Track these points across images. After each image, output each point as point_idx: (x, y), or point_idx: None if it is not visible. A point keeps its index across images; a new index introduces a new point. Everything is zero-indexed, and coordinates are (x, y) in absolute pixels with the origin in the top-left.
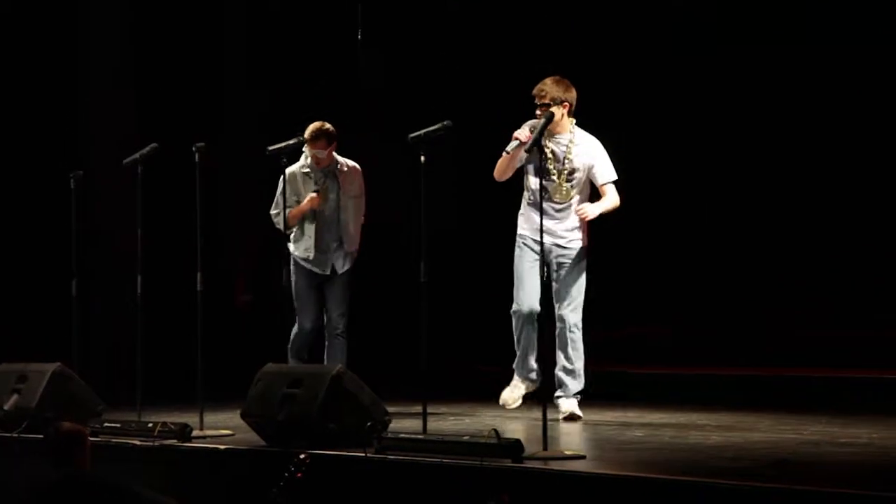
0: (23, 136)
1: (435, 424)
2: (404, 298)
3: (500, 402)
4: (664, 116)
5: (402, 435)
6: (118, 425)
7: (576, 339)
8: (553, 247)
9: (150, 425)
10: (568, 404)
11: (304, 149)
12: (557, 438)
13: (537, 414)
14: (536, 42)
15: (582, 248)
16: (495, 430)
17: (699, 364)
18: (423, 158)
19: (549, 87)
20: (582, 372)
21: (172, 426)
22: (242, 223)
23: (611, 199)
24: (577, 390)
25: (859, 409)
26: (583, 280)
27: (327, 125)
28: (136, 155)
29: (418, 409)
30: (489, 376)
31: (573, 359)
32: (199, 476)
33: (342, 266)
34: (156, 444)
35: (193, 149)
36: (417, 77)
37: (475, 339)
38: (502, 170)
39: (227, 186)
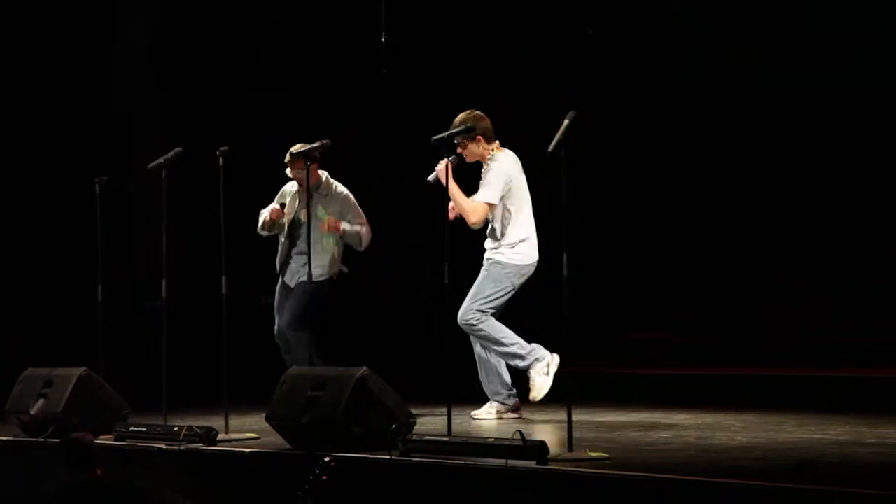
0: (48, 142)
1: (460, 426)
2: (430, 300)
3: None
4: (667, 121)
5: (427, 437)
6: (143, 429)
7: (477, 333)
8: (487, 259)
9: (176, 429)
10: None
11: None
12: (582, 440)
13: (562, 416)
14: (541, 47)
15: (501, 261)
16: (520, 432)
17: (724, 365)
18: (446, 158)
19: (457, 125)
20: (514, 350)
21: (197, 430)
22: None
23: (465, 200)
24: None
25: (886, 410)
26: (487, 284)
27: (305, 146)
28: (161, 159)
29: (443, 410)
30: (518, 376)
31: None
32: (223, 479)
33: (303, 277)
34: (181, 447)
35: (218, 153)
36: (441, 78)
37: None
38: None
39: (252, 190)
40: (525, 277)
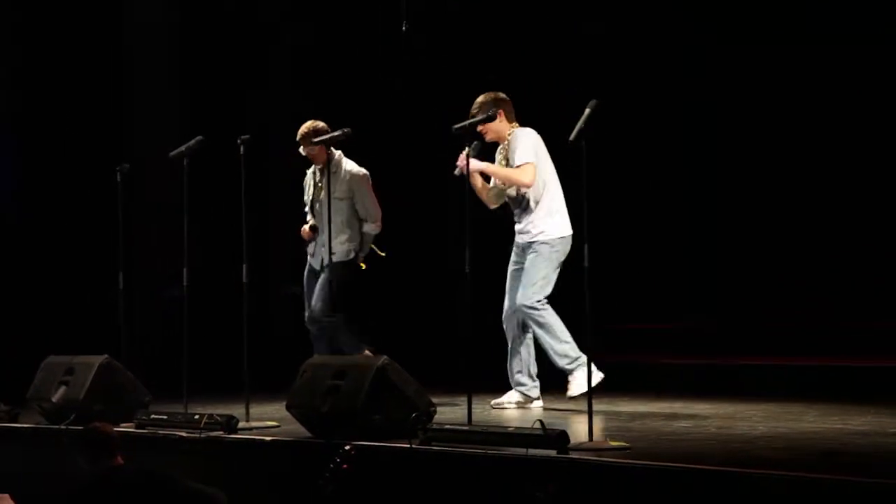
0: (70, 130)
1: (480, 415)
2: (450, 288)
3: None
4: (692, 114)
5: (447, 426)
6: (165, 417)
7: (537, 320)
8: (523, 247)
9: (197, 417)
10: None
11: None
12: (603, 429)
13: (583, 405)
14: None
15: (544, 240)
16: (540, 421)
17: (744, 354)
18: (467, 148)
19: (479, 105)
20: (564, 349)
21: (218, 418)
22: (289, 215)
23: (510, 170)
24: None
25: None
26: (541, 265)
27: (317, 123)
28: (183, 147)
29: (463, 399)
30: (541, 366)
31: None
32: (244, 467)
33: (327, 261)
34: (202, 435)
35: (239, 141)
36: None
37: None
38: (483, 200)
39: (274, 178)
40: (567, 252)
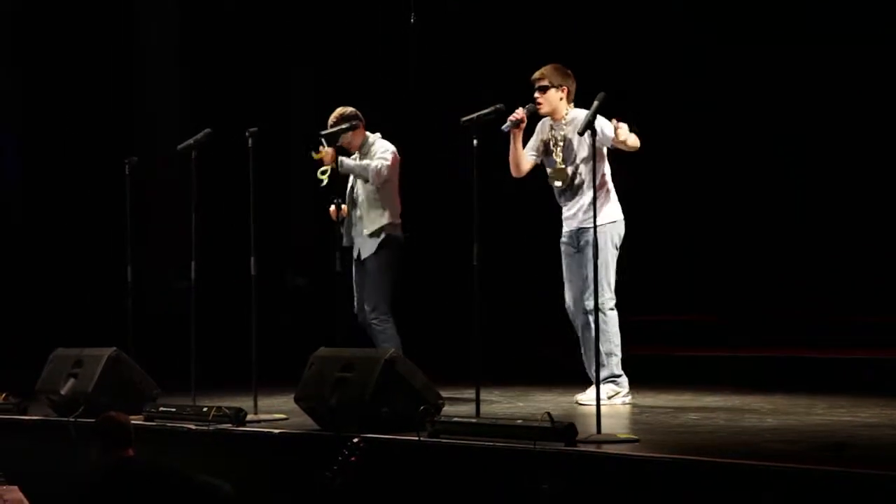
0: (78, 123)
1: (488, 408)
2: (461, 281)
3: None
4: (698, 107)
5: (455, 419)
6: (173, 410)
7: (598, 324)
8: (575, 233)
9: (205, 410)
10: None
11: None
12: (611, 422)
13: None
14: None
15: (600, 226)
16: (548, 414)
17: (753, 347)
18: (475, 141)
19: (548, 72)
20: (608, 358)
21: (227, 410)
22: (297, 208)
23: (634, 136)
24: (603, 376)
25: None
26: (601, 261)
27: (347, 109)
28: (191, 140)
29: (471, 392)
30: (547, 360)
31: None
32: (252, 460)
33: (367, 251)
34: (210, 428)
35: (247, 133)
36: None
37: (533, 323)
38: (513, 164)
39: (282, 171)
40: (622, 237)
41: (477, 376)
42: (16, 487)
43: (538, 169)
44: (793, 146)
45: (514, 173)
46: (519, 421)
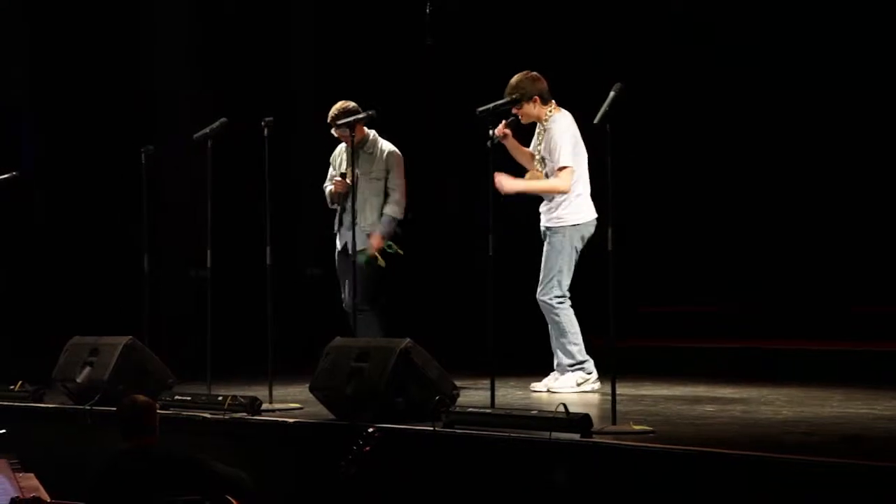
0: (94, 113)
1: (503, 399)
2: (475, 272)
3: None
4: (723, 96)
5: (470, 409)
6: (188, 398)
7: (552, 317)
8: (544, 230)
9: (220, 398)
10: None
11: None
12: (626, 413)
13: (606, 388)
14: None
15: (557, 227)
16: (564, 405)
17: (768, 338)
18: (491, 132)
19: (513, 87)
20: (569, 347)
21: (242, 399)
22: (309, 198)
23: (546, 182)
24: (569, 363)
25: None
26: (554, 258)
27: (348, 104)
28: (206, 129)
29: (486, 383)
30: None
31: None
32: (268, 449)
33: (358, 245)
34: (226, 417)
35: (262, 123)
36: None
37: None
38: (525, 165)
39: (297, 160)
40: (586, 238)
41: (492, 366)
42: (32, 475)
43: None
44: (807, 136)
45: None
46: (534, 412)
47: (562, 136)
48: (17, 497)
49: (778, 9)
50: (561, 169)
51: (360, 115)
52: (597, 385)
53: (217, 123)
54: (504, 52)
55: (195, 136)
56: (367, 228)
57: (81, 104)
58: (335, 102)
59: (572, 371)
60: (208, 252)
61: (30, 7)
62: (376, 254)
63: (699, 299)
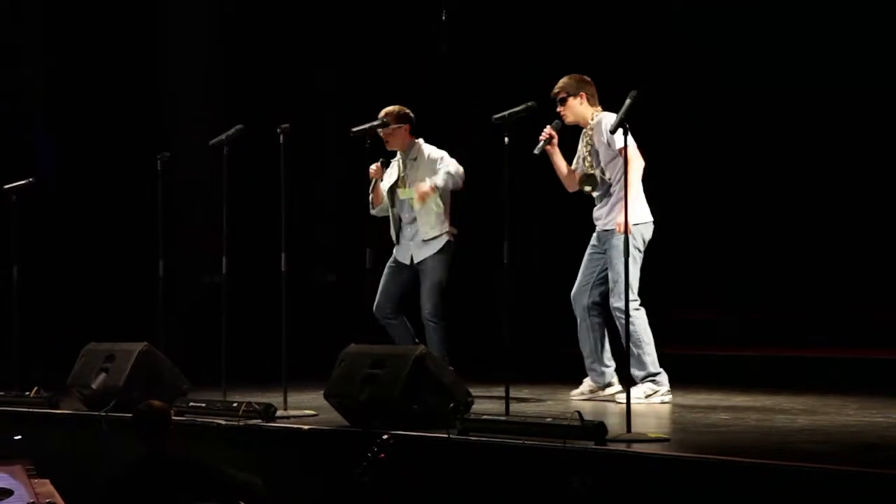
0: (110, 119)
1: (518, 406)
2: (491, 280)
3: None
4: (743, 101)
5: (485, 416)
6: (203, 405)
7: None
8: (602, 234)
9: (235, 405)
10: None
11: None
12: (641, 421)
13: (621, 396)
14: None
15: (611, 233)
16: (578, 412)
17: (784, 347)
18: (506, 139)
19: (563, 83)
20: (642, 358)
21: (257, 406)
22: (324, 205)
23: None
24: (641, 376)
25: None
26: (621, 262)
27: (396, 108)
28: (222, 136)
29: (501, 390)
30: (576, 358)
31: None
32: (282, 456)
33: (419, 256)
34: (240, 423)
35: (278, 130)
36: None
37: (564, 321)
38: (563, 180)
39: (314, 168)
40: (647, 239)
41: (507, 374)
42: (47, 481)
43: None
44: (833, 143)
45: (568, 189)
46: (549, 419)
47: (607, 125)
48: (33, 502)
49: (780, 11)
50: (621, 150)
51: (375, 123)
52: (668, 398)
53: (233, 130)
54: (519, 60)
55: (211, 142)
56: (429, 232)
57: (98, 110)
58: (352, 109)
59: (642, 382)
60: (224, 258)
61: (46, 12)
62: (422, 196)
63: (716, 307)
